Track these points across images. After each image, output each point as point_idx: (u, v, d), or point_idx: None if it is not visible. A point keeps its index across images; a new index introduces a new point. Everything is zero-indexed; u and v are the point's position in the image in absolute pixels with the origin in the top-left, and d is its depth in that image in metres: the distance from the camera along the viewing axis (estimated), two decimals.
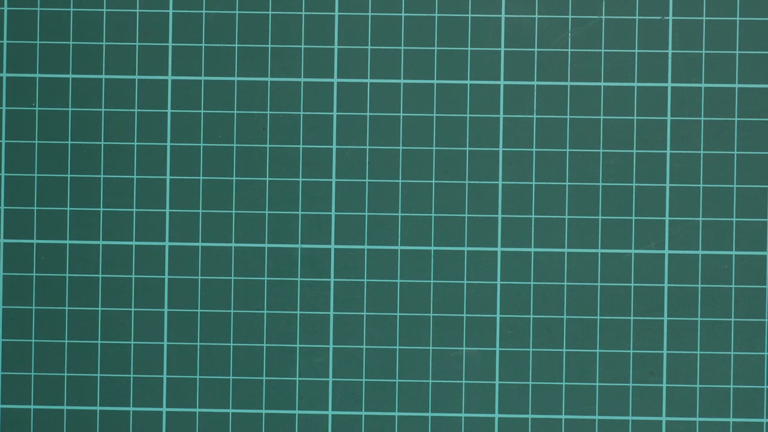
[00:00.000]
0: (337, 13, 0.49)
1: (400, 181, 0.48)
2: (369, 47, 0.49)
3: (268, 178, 0.49)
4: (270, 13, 0.49)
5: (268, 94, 0.49)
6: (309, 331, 0.49)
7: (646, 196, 0.48)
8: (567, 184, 0.48)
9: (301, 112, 0.49)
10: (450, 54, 0.48)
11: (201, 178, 0.49)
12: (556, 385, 0.48)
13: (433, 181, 0.48)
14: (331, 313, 0.49)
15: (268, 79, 0.49)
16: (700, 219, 0.48)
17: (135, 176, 0.49)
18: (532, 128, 0.48)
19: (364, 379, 0.49)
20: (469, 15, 0.48)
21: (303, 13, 0.49)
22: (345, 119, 0.49)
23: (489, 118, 0.48)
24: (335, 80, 0.49)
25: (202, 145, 0.49)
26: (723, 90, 0.48)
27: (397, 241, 0.49)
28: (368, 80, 0.49)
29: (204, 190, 0.49)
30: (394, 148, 0.48)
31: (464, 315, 0.48)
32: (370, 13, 0.49)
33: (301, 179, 0.49)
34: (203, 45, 0.49)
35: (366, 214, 0.49)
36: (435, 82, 0.49)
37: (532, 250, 0.48)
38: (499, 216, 0.48)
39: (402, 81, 0.48)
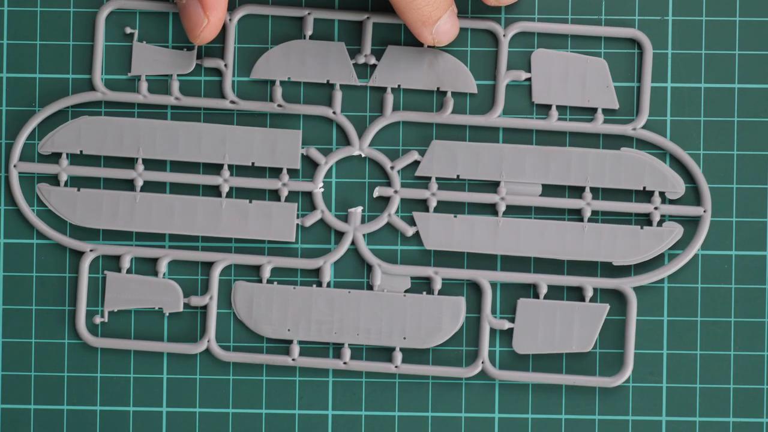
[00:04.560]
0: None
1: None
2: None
3: None
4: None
5: None
6: None
7: None
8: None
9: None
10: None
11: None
12: (557, 385, 0.48)
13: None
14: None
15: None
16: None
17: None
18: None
19: (364, 379, 0.49)
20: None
21: None
22: None
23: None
24: None
25: None
26: (723, 90, 0.48)
27: (397, 241, 0.49)
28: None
29: None
30: None
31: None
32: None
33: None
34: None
35: (367, 213, 0.49)
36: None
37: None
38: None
39: None
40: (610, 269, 0.48)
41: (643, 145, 0.48)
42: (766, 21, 0.48)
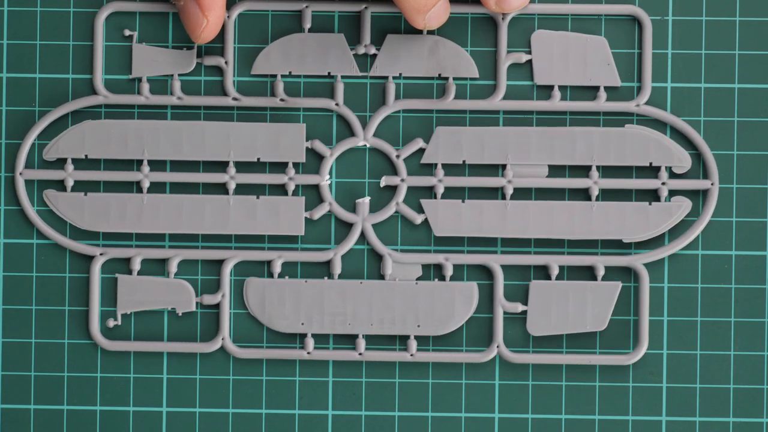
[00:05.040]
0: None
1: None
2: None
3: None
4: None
5: None
6: None
7: None
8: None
9: None
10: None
11: None
12: (556, 385, 0.48)
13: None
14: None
15: None
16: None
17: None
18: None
19: (364, 379, 0.49)
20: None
21: None
22: None
23: (490, 118, 0.49)
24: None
25: None
26: (723, 90, 0.48)
27: (397, 241, 0.49)
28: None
29: None
30: None
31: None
32: None
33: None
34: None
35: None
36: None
37: (532, 249, 0.48)
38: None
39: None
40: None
41: (647, 122, 0.48)
42: (766, 21, 0.48)
